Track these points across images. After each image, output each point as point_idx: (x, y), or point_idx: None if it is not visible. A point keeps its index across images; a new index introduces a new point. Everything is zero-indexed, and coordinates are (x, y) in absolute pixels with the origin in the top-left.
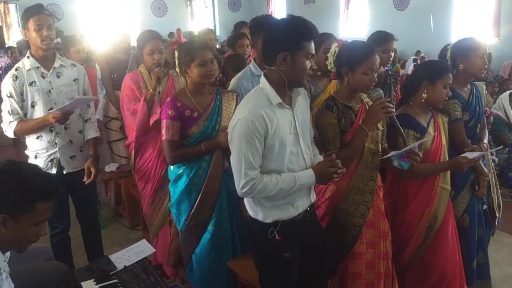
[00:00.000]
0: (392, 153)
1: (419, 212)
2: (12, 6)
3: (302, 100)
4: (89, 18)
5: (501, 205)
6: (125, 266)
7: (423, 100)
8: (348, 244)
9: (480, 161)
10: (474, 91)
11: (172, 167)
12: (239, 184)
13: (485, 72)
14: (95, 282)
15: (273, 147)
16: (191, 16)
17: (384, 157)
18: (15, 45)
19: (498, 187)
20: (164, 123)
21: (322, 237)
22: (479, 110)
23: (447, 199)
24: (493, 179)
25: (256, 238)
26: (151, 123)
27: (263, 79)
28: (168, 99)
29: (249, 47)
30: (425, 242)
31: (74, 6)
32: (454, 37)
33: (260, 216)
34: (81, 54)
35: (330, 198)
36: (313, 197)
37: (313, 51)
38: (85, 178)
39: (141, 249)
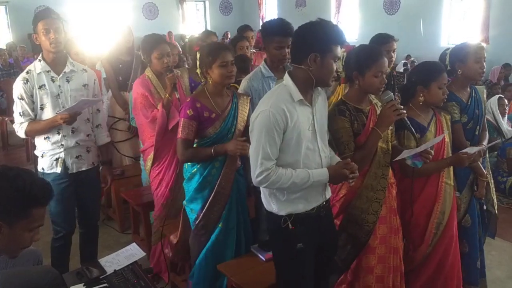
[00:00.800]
0: (405, 152)
1: (426, 209)
2: (1, 8)
3: (322, 100)
4: (79, 20)
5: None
6: (115, 270)
7: (420, 103)
8: (362, 240)
9: (479, 162)
10: (473, 94)
11: (186, 165)
12: (255, 172)
13: (483, 75)
14: (85, 287)
15: (290, 141)
16: (182, 19)
17: (398, 157)
18: (5, 47)
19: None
20: (181, 121)
21: (335, 235)
22: (479, 113)
23: (452, 194)
24: (491, 180)
25: (272, 230)
26: (170, 127)
27: (287, 77)
28: (188, 99)
29: (249, 49)
30: (435, 238)
31: (65, 8)
32: (444, 42)
33: (274, 209)
34: (80, 56)
35: (345, 196)
36: (328, 194)
37: (340, 55)
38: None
39: (131, 253)
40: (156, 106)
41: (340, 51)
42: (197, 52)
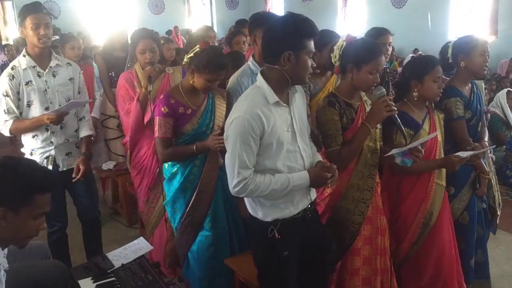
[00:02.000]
0: (395, 150)
1: (414, 208)
2: (8, 4)
3: (299, 97)
4: (86, 15)
5: (500, 203)
6: (122, 264)
7: (415, 99)
8: (347, 241)
9: (481, 159)
10: (475, 90)
11: (166, 165)
12: (232, 183)
13: (486, 69)
14: (93, 280)
15: (270, 146)
16: (188, 14)
17: (388, 154)
18: (12, 43)
19: (498, 185)
20: (157, 120)
21: (323, 234)
22: (480, 108)
23: (442, 196)
24: (494, 177)
25: (255, 236)
26: (145, 121)
27: (259, 77)
28: (162, 96)
29: (246, 44)
30: (421, 238)
31: (71, 4)
32: (451, 35)
33: (259, 215)
34: (76, 50)
35: (330, 195)
36: (313, 195)
37: (313, 49)
38: (73, 174)
39: (139, 247)
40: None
41: (313, 45)
42: (198, 48)
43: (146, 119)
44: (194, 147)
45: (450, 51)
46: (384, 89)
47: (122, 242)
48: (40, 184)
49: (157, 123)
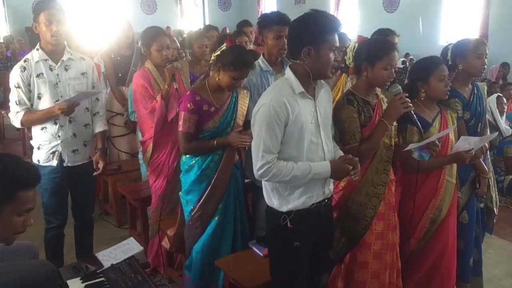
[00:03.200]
0: (412, 145)
1: (424, 203)
2: None
3: (325, 93)
4: (77, 14)
5: (498, 202)
6: (112, 264)
7: (422, 99)
8: (358, 234)
9: (481, 160)
10: (475, 91)
11: (184, 157)
12: (256, 166)
13: (483, 71)
14: (81, 281)
15: (292, 134)
16: (181, 14)
17: (406, 149)
18: (2, 41)
19: (496, 186)
20: (182, 115)
21: (332, 232)
22: (480, 110)
23: (452, 192)
24: (492, 177)
25: (270, 225)
26: (169, 119)
27: (288, 71)
28: (188, 92)
29: (247, 44)
30: (428, 234)
31: (62, 2)
32: (442, 40)
33: (275, 204)
34: (81, 49)
35: (344, 189)
36: (327, 191)
37: (337, 43)
38: (95, 171)
39: (129, 247)
40: (156, 98)
41: (337, 39)
42: (224, 46)
43: (170, 117)
44: (215, 142)
45: (449, 54)
46: (400, 86)
47: (111, 243)
48: (23, 180)
49: (181, 118)
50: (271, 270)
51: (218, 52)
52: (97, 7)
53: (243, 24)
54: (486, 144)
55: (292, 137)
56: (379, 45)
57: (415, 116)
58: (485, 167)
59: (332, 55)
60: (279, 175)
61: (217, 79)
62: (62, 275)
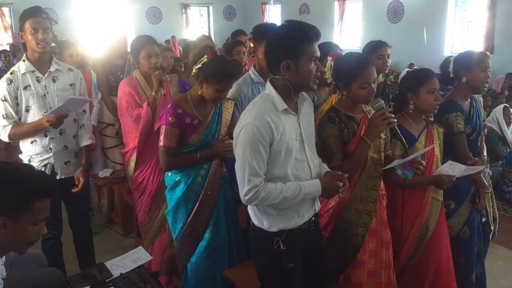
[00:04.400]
0: (395, 162)
1: (409, 221)
2: (6, 10)
3: (307, 106)
4: (84, 23)
5: (497, 218)
6: (121, 273)
7: (410, 111)
8: (350, 253)
9: (481, 174)
10: (474, 104)
11: (169, 173)
12: (243, 190)
13: (486, 85)
14: None
15: (279, 153)
16: (186, 24)
17: (387, 166)
18: (8, 49)
19: (494, 200)
20: (163, 129)
21: (323, 248)
22: (479, 123)
23: (438, 210)
24: (490, 192)
25: (259, 247)
26: (155, 128)
27: (269, 86)
28: (169, 105)
29: (245, 55)
30: (417, 252)
31: (69, 12)
32: (447, 51)
33: (265, 225)
34: (75, 57)
35: (333, 207)
36: (317, 206)
37: (317, 53)
38: (75, 187)
39: (138, 256)
40: (142, 106)
41: (316, 48)
42: (205, 58)
43: (156, 126)
44: (198, 155)
45: (451, 66)
46: (382, 101)
47: (117, 252)
48: (39, 190)
49: (163, 132)
50: None
51: (200, 65)
52: (103, 17)
53: (238, 33)
54: (487, 159)
55: (278, 157)
56: (351, 63)
57: (399, 132)
58: (485, 182)
59: (313, 66)
60: (267, 198)
61: (199, 92)
62: (72, 284)
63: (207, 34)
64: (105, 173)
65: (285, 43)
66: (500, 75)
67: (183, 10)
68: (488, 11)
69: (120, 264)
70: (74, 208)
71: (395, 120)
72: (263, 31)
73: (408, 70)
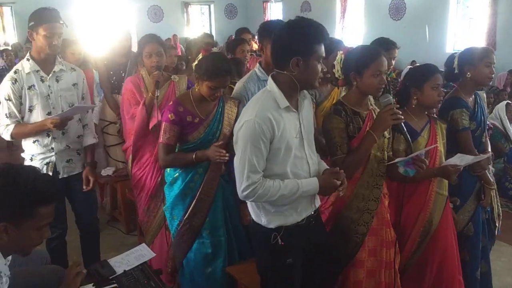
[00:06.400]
0: (398, 159)
1: (413, 216)
2: (7, 9)
3: (307, 105)
4: (85, 22)
5: (501, 214)
6: (124, 271)
7: (413, 106)
8: (350, 252)
9: (487, 171)
10: (478, 101)
11: (169, 169)
12: (241, 186)
13: (491, 80)
14: (94, 287)
15: (278, 150)
16: (187, 22)
17: (390, 162)
18: (11, 48)
19: (498, 197)
20: (163, 125)
21: (326, 241)
22: (483, 119)
23: (443, 205)
24: (495, 189)
25: (258, 243)
26: (150, 127)
27: (270, 82)
28: (171, 102)
29: (249, 53)
30: (420, 247)
31: (70, 11)
32: (449, 48)
33: (263, 221)
34: (77, 55)
35: (334, 204)
36: (317, 203)
37: (324, 54)
38: (84, 186)
39: (141, 253)
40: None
41: (323, 50)
42: (200, 55)
43: (151, 125)
44: (194, 156)
45: (456, 62)
46: (391, 97)
47: (120, 249)
48: (43, 196)
49: (162, 128)
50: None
51: (196, 62)
52: (104, 15)
53: (243, 31)
54: (492, 155)
55: (277, 154)
56: (364, 52)
57: (405, 129)
58: (490, 178)
59: (319, 66)
60: (265, 195)
61: (197, 90)
62: None
63: (208, 32)
64: (107, 171)
65: (299, 40)
66: (502, 72)
67: (184, 8)
68: (490, 8)
69: (124, 261)
70: (80, 207)
71: (402, 117)
72: (271, 28)
73: (410, 68)
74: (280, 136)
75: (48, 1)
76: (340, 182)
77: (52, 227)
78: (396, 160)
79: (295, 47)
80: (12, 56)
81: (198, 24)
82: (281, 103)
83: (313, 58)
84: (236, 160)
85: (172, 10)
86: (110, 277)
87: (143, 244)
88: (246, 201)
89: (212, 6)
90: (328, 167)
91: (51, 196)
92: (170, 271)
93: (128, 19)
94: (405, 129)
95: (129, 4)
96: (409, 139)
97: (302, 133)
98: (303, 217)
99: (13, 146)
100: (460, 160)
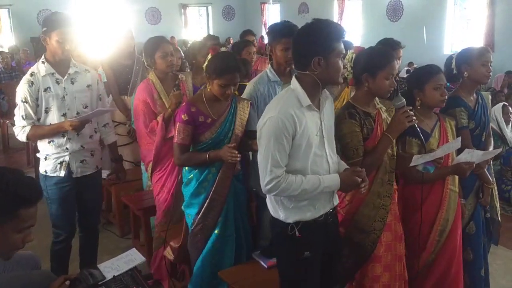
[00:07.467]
0: (417, 159)
1: (431, 215)
2: (4, 12)
3: (329, 105)
4: (82, 24)
5: (499, 213)
6: (114, 276)
7: (418, 107)
8: (368, 248)
9: (485, 169)
10: (480, 100)
11: (184, 170)
12: (264, 180)
13: (489, 78)
14: None
15: (299, 147)
16: (185, 24)
17: (412, 164)
18: (7, 50)
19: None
20: (177, 126)
21: (340, 243)
22: (485, 119)
23: (456, 201)
24: (495, 188)
25: (277, 237)
26: (168, 135)
27: (294, 81)
28: (184, 103)
29: (255, 54)
30: (438, 246)
31: (67, 12)
32: (447, 49)
33: (281, 216)
34: (83, 58)
35: (350, 203)
36: (336, 201)
37: (344, 50)
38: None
39: (131, 258)
40: (158, 113)
41: (343, 46)
42: (209, 55)
43: (168, 135)
44: (207, 156)
45: (454, 62)
46: (404, 100)
47: (114, 253)
48: (25, 198)
49: (176, 129)
50: (281, 282)
51: (207, 63)
52: (102, 17)
53: (247, 33)
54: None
55: (298, 150)
56: (379, 54)
57: (418, 129)
58: (489, 177)
59: (341, 62)
60: (288, 189)
61: (208, 89)
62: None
63: (206, 34)
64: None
65: (318, 40)
66: (500, 73)
67: (182, 10)
68: (487, 9)
69: (113, 266)
70: (86, 208)
71: (415, 118)
72: (278, 29)
73: (407, 69)
74: (302, 133)
75: (46, 4)
76: (361, 179)
77: (59, 229)
78: (415, 159)
79: (315, 47)
80: (8, 58)
81: (196, 26)
82: (303, 101)
83: (333, 56)
84: (259, 156)
85: (169, 12)
86: (99, 283)
87: (134, 249)
88: (266, 195)
89: (210, 7)
90: (347, 167)
91: (33, 198)
92: (177, 261)
93: (126, 21)
94: (419, 131)
95: (126, 6)
96: (424, 141)
97: (323, 132)
98: (321, 214)
99: (9, 150)
100: (471, 156)
